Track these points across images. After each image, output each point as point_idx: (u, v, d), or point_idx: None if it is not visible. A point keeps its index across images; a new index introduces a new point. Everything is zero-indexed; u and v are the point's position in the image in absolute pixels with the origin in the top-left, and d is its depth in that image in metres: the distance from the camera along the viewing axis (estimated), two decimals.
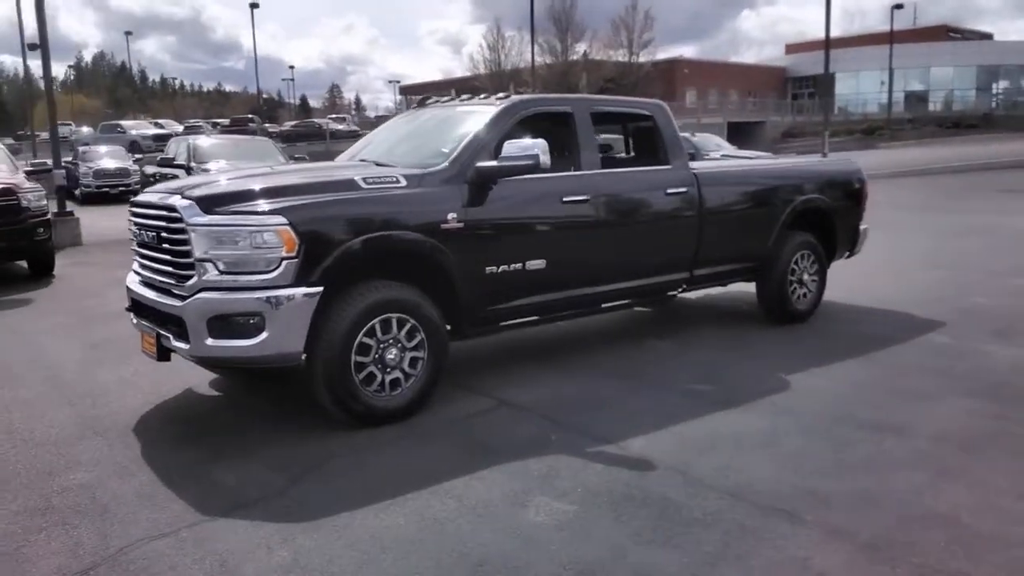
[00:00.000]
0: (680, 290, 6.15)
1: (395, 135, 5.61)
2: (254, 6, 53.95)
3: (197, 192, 4.31)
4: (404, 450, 4.10)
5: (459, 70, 58.94)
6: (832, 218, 7.04)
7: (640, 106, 6.02)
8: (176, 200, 4.29)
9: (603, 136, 6.62)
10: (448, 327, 4.86)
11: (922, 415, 4.50)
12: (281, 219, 4.08)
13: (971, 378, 5.19)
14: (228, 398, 5.13)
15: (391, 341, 4.43)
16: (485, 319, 5.00)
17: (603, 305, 5.68)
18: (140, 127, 40.38)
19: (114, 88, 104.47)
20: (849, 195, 7.33)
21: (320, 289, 4.16)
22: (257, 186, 4.32)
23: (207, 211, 4.14)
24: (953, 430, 4.27)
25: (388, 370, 4.44)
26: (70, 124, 58.32)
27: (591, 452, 4.02)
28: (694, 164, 6.30)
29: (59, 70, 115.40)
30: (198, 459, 4.04)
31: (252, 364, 4.26)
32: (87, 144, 31.32)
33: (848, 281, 8.07)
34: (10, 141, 46.27)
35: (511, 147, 4.79)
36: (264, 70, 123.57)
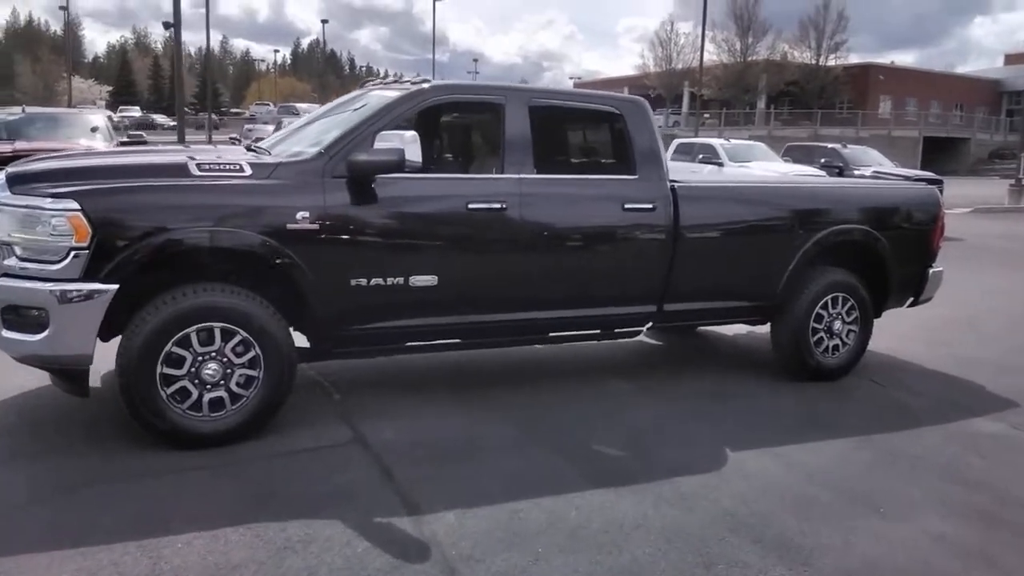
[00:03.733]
0: (648, 326, 5.08)
1: (314, 120, 4.98)
2: None
3: (14, 168, 3.91)
4: (167, 485, 3.47)
5: (653, 68, 57.13)
6: (880, 255, 5.63)
7: (606, 102, 4.99)
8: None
9: (575, 137, 5.64)
10: (307, 345, 4.20)
11: (862, 540, 3.29)
12: (72, 203, 3.57)
13: (1005, 502, 3.83)
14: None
15: (212, 355, 3.82)
16: (353, 339, 4.27)
17: (528, 336, 4.77)
18: (312, 109, 42.69)
19: (323, 74, 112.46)
20: (913, 228, 5.87)
21: (113, 287, 3.62)
22: (67, 165, 3.86)
23: (11, 189, 3.71)
24: None
25: (208, 387, 3.84)
26: (268, 104, 63.14)
27: (376, 523, 3.21)
28: (681, 177, 5.19)
29: (278, 56, 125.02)
30: None
31: (40, 364, 3.81)
32: (255, 122, 33.60)
33: (943, 332, 6.55)
34: (214, 116, 50.67)
35: (383, 139, 4.02)
36: (463, 64, 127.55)
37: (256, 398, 3.93)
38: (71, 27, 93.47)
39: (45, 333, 3.61)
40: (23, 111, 12.22)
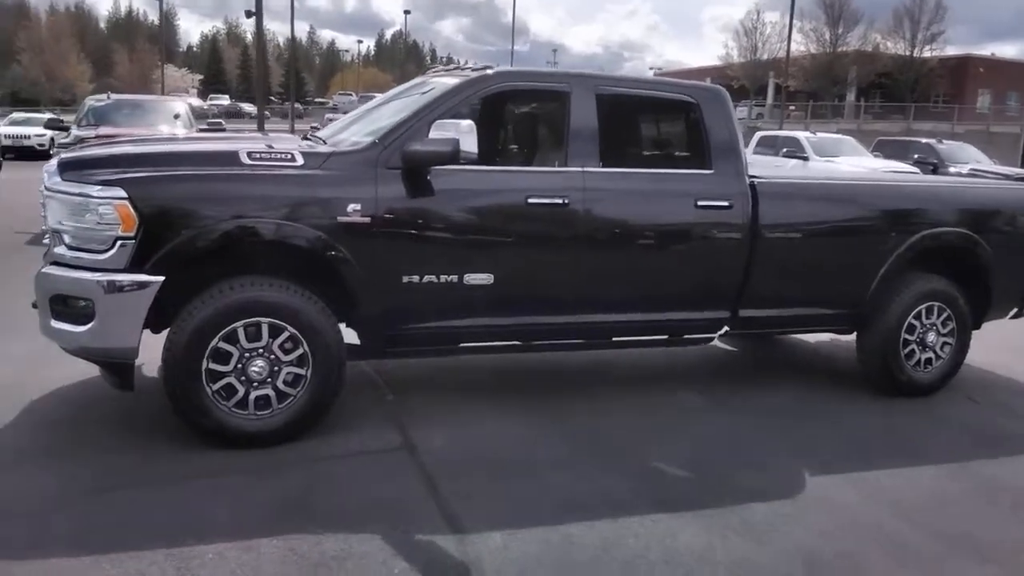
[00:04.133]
0: (721, 333, 4.73)
1: (373, 109, 4.79)
2: None
3: (68, 154, 3.84)
4: (205, 489, 3.33)
5: (737, 58, 55.67)
6: (981, 261, 5.12)
7: (680, 90, 4.64)
8: (53, 161, 3.85)
9: (656, 128, 5.30)
10: (357, 342, 4.03)
11: None
12: (119, 191, 3.47)
13: None
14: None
15: (260, 351, 3.68)
16: (405, 339, 4.07)
17: (590, 340, 4.49)
18: None
19: (404, 64, 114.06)
20: (1017, 232, 5.32)
21: (159, 279, 3.51)
22: (118, 152, 3.76)
23: (63, 176, 3.64)
24: None
25: (254, 385, 3.70)
26: (351, 94, 64.28)
27: (417, 540, 3.01)
28: (761, 172, 4.80)
29: (362, 46, 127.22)
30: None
31: (87, 356, 3.73)
32: (338, 111, 34.23)
33: None
34: (298, 106, 51.86)
35: (440, 129, 3.79)
36: (543, 54, 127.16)
37: (303, 397, 3.78)
38: (166, 17, 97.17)
39: (91, 324, 3.53)
40: (108, 97, 12.54)
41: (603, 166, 4.28)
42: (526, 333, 4.29)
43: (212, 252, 3.62)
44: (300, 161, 3.77)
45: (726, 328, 4.71)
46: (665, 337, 4.67)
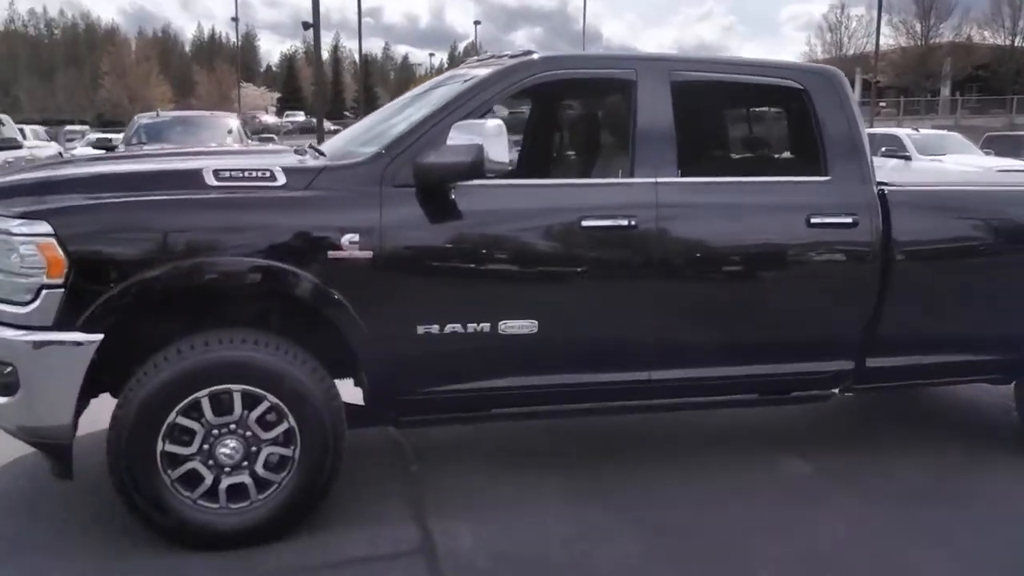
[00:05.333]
0: (840, 389, 3.64)
1: (394, 112, 3.88)
2: None
3: None
4: None
5: (821, 55, 53.46)
6: None
7: (782, 74, 3.56)
8: None
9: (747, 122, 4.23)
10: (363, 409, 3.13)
11: None
12: (43, 227, 2.66)
13: None
14: None
15: (231, 427, 2.83)
16: (422, 405, 3.15)
17: (664, 402, 3.47)
18: None
19: None
20: None
21: (95, 338, 2.68)
22: (48, 176, 2.97)
23: None
24: None
25: (226, 471, 2.84)
26: None
27: None
28: (890, 178, 3.71)
29: (434, 59, 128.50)
30: None
31: (17, 434, 2.93)
32: None
33: None
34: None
35: (460, 134, 2.86)
36: None
37: (290, 485, 2.90)
38: (247, 38, 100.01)
39: (16, 396, 2.73)
40: (158, 114, 12.17)
41: (682, 175, 3.27)
42: (580, 395, 3.31)
43: (165, 301, 2.79)
44: (281, 180, 2.90)
45: (846, 384, 3.61)
46: (766, 396, 3.60)
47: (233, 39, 65.73)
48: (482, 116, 3.01)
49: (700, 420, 4.19)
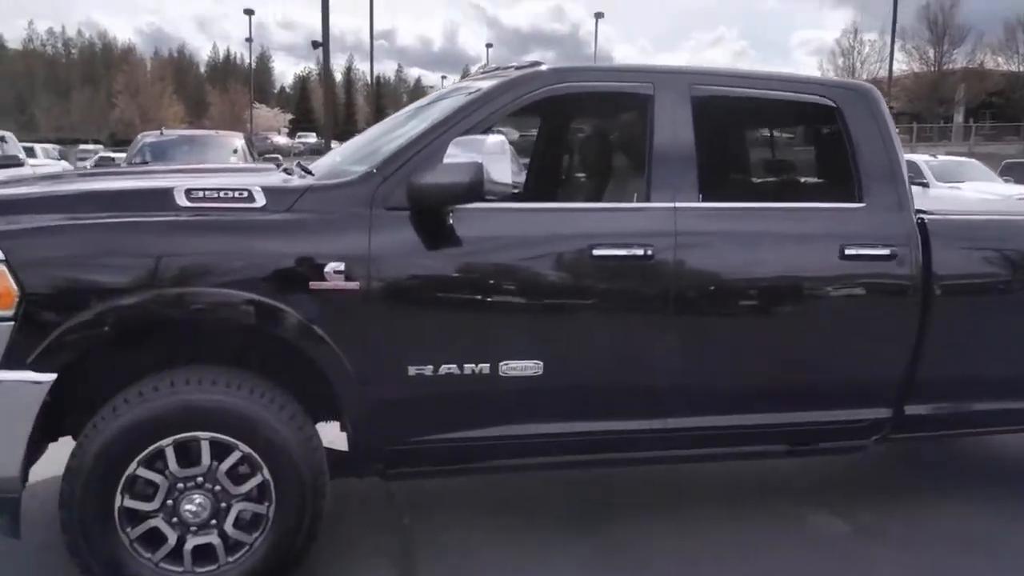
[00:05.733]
0: (878, 438, 3.30)
1: (387, 126, 3.60)
2: (599, 15, 54.24)
3: None
4: None
5: None
6: None
7: (813, 90, 3.26)
8: None
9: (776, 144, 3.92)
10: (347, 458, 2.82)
11: None
12: None
13: None
14: None
15: (198, 480, 2.52)
16: (412, 456, 2.83)
17: (686, 451, 3.13)
18: None
19: None
20: None
21: (48, 377, 2.39)
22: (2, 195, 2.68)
23: None
24: None
25: (192, 530, 2.53)
26: None
27: None
28: (928, 206, 3.39)
29: (446, 82, 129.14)
30: None
31: None
32: None
33: None
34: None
35: (459, 151, 2.57)
36: None
37: (265, 545, 2.59)
38: (262, 60, 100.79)
39: None
40: (162, 133, 11.98)
41: (703, 200, 2.97)
42: (590, 445, 2.98)
43: (127, 337, 2.50)
44: (259, 201, 2.61)
45: (883, 433, 3.28)
46: (794, 447, 3.26)
47: (248, 61, 66.25)
48: (484, 132, 2.72)
49: (720, 471, 3.82)
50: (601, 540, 3.13)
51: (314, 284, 2.54)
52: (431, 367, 2.68)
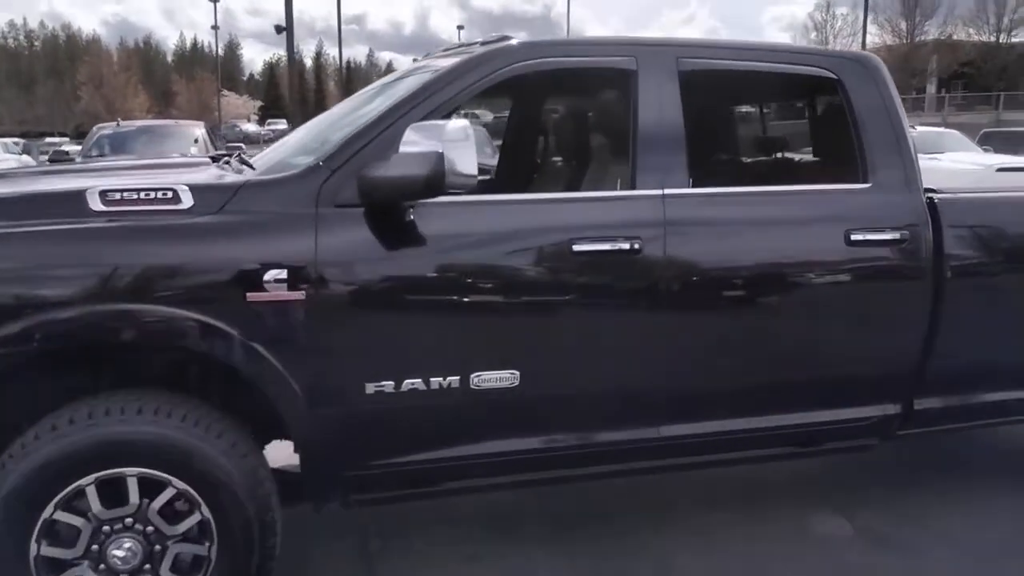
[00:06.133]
0: (888, 436, 3.04)
1: (342, 110, 3.25)
2: None
3: None
4: None
5: None
6: None
7: (811, 61, 2.95)
8: None
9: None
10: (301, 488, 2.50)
11: None
12: None
13: None
14: None
15: (127, 522, 2.19)
16: (373, 482, 2.51)
17: (675, 460, 2.84)
18: None
19: None
20: None
21: None
22: None
23: None
24: None
25: None
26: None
27: None
28: (938, 185, 3.10)
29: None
30: None
31: None
32: None
33: None
34: None
35: (417, 138, 2.24)
36: None
37: None
38: (231, 47, 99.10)
39: None
40: (118, 124, 11.48)
41: (693, 185, 2.66)
42: (573, 459, 2.68)
43: (33, 361, 2.15)
44: (186, 202, 2.26)
45: (892, 432, 3.01)
46: (794, 449, 2.99)
47: (215, 48, 64.88)
48: (447, 116, 2.39)
49: (715, 475, 3.54)
50: (586, 552, 2.83)
51: (251, 296, 2.21)
52: (392, 383, 2.36)
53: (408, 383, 2.37)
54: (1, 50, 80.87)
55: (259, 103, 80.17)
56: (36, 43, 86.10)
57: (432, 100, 2.46)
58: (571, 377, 2.56)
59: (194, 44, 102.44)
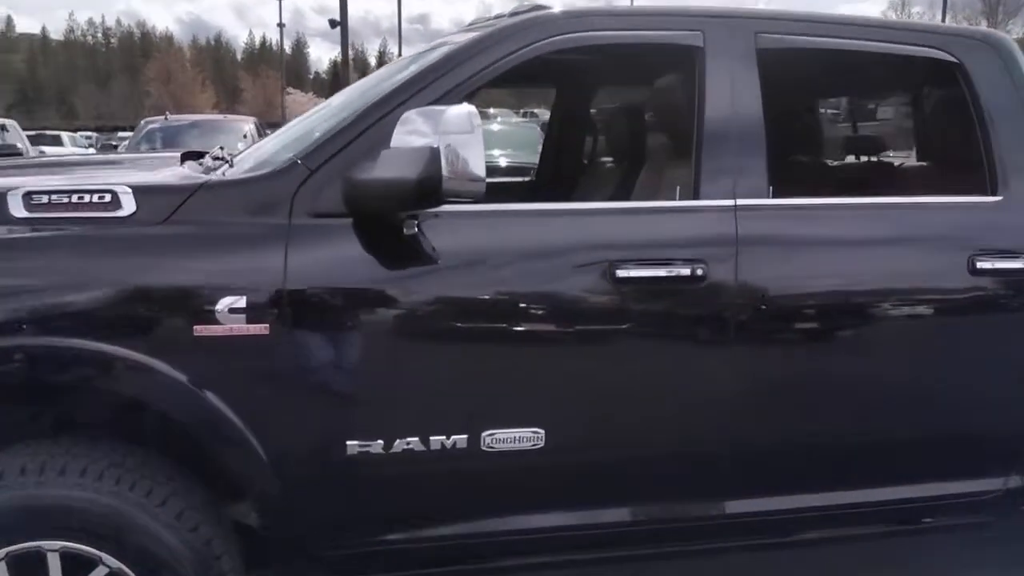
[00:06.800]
0: (1001, 516, 2.41)
1: (342, 100, 2.74)
2: None
3: None
4: None
5: None
6: None
7: (923, 40, 2.30)
8: None
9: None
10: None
11: None
12: None
13: None
14: None
15: None
16: (360, 562, 2.01)
17: (748, 540, 2.27)
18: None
19: None
20: None
21: None
22: None
23: None
24: None
25: None
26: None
27: None
28: None
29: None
30: None
31: None
32: None
33: None
34: None
35: (405, 128, 1.73)
36: None
37: None
38: (298, 46, 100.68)
39: None
40: (167, 118, 11.34)
41: (775, 193, 2.09)
42: (613, 538, 2.13)
43: None
44: (127, 208, 1.79)
45: (1020, 506, 2.38)
46: (893, 528, 2.39)
47: (284, 47, 65.91)
48: (458, 102, 1.87)
49: (790, 556, 2.92)
50: None
51: (200, 329, 1.73)
52: (381, 442, 1.86)
53: (402, 443, 1.87)
54: (80, 46, 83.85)
55: (323, 100, 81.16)
56: (113, 40, 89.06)
57: (441, 83, 1.95)
58: (612, 436, 2.02)
59: (263, 42, 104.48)
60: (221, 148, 2.49)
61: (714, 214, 2.03)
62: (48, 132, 24.34)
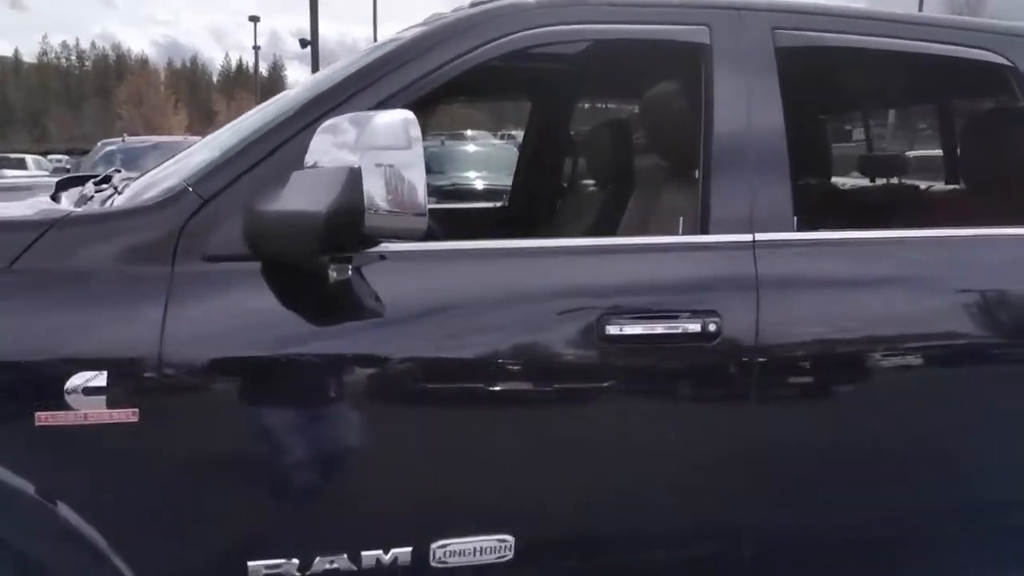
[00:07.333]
0: None
1: (269, 106, 2.26)
2: None
3: None
4: None
5: None
6: None
7: (969, 39, 1.88)
8: None
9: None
10: None
11: None
12: None
13: None
14: None
15: None
16: None
17: None
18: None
19: None
20: None
21: None
22: None
23: None
24: None
25: None
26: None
27: None
28: None
29: None
30: None
31: None
32: None
33: None
34: None
35: (325, 138, 1.29)
36: None
37: None
38: (274, 69, 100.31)
39: None
40: (124, 140, 10.88)
41: (800, 227, 1.66)
42: None
43: None
44: None
45: None
46: None
47: (261, 69, 65.39)
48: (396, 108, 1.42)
49: None
50: None
51: (45, 417, 1.26)
52: (296, 561, 1.39)
53: (323, 560, 1.40)
54: (53, 69, 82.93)
55: None
56: (87, 63, 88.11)
57: (380, 87, 1.50)
58: (600, 542, 1.57)
59: (239, 65, 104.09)
60: (118, 171, 2.03)
61: (728, 252, 1.60)
62: (12, 155, 23.40)
